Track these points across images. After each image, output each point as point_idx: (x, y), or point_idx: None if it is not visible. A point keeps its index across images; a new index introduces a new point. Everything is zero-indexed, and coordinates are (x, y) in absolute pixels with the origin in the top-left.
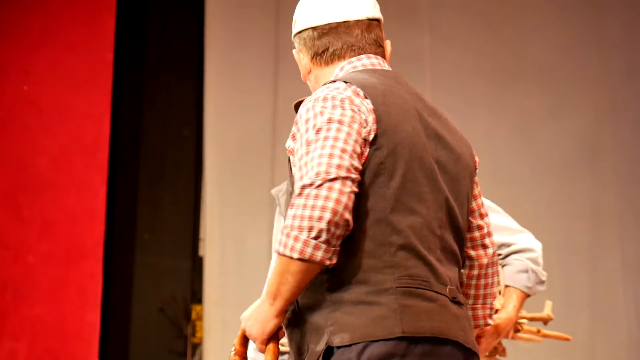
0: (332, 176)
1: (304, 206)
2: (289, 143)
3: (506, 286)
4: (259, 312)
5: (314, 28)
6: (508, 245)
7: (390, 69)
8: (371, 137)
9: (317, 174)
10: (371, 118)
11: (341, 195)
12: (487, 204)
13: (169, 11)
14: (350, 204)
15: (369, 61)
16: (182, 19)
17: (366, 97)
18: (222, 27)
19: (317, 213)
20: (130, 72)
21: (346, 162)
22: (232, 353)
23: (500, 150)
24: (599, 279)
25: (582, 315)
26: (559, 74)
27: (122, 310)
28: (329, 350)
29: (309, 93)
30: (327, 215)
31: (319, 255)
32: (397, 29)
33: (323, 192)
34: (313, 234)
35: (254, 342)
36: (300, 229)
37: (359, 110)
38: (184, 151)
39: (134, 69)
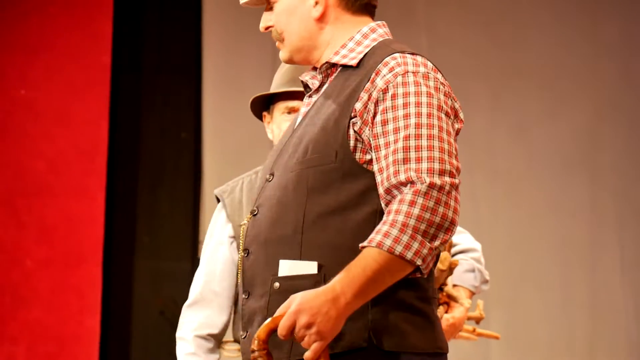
0: (457, 182)
1: (434, 211)
2: (360, 106)
3: (454, 285)
4: (331, 308)
5: None
6: (453, 245)
7: None
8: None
9: (445, 175)
10: (461, 115)
11: (458, 205)
12: None
13: (166, 14)
14: None
15: (387, 30)
16: (180, 22)
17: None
18: (220, 30)
19: (446, 224)
20: (128, 76)
21: (458, 165)
22: (256, 348)
23: (498, 148)
24: (598, 277)
25: (581, 313)
26: (556, 73)
27: (122, 314)
28: (370, 347)
29: None
30: (452, 228)
31: (430, 264)
32: (394, 29)
33: (452, 201)
34: (437, 242)
35: (321, 341)
36: (426, 234)
37: (452, 101)
38: (183, 154)
39: (132, 73)
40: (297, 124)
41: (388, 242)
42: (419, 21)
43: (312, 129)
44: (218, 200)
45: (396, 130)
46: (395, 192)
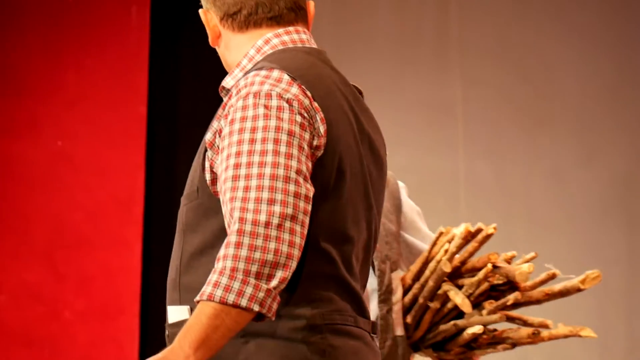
0: (289, 212)
1: (264, 249)
2: (210, 137)
3: None
4: None
5: None
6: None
7: (316, 46)
8: (319, 153)
9: (275, 204)
10: (322, 129)
11: (296, 236)
12: (417, 209)
13: (201, 66)
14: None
15: (298, 36)
16: (214, 75)
17: (314, 99)
18: None
19: (282, 259)
20: (164, 126)
21: (298, 190)
22: None
23: (535, 195)
24: (637, 326)
25: None
26: (591, 118)
27: None
28: None
29: None
30: (290, 263)
31: (273, 305)
32: (428, 75)
33: (284, 234)
34: (274, 282)
35: None
36: (259, 275)
37: (309, 116)
38: None
39: (167, 124)
40: None
41: (219, 292)
42: (453, 67)
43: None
44: None
45: (228, 159)
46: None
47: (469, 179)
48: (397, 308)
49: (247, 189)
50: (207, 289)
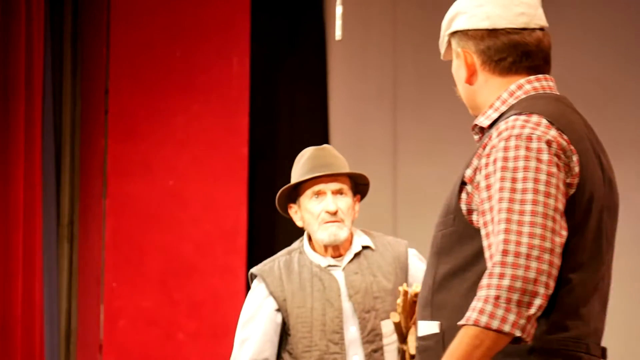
0: (547, 245)
1: (525, 280)
2: (470, 173)
3: None
4: None
5: (489, 30)
6: None
7: (558, 93)
8: (572, 191)
9: (535, 238)
10: (577, 169)
11: (553, 268)
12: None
13: (298, 109)
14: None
15: (547, 83)
16: (310, 116)
17: (570, 143)
18: (346, 118)
19: (540, 290)
20: (264, 164)
21: (554, 226)
22: None
23: None
24: None
25: None
26: None
27: None
28: None
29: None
30: (547, 292)
31: (531, 331)
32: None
33: (543, 265)
34: (532, 310)
35: None
36: (520, 303)
37: (566, 156)
38: None
39: (267, 162)
40: None
41: (484, 319)
42: None
43: (448, 193)
44: (252, 278)
45: (491, 197)
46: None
47: None
48: (390, 348)
49: (509, 222)
50: (472, 314)
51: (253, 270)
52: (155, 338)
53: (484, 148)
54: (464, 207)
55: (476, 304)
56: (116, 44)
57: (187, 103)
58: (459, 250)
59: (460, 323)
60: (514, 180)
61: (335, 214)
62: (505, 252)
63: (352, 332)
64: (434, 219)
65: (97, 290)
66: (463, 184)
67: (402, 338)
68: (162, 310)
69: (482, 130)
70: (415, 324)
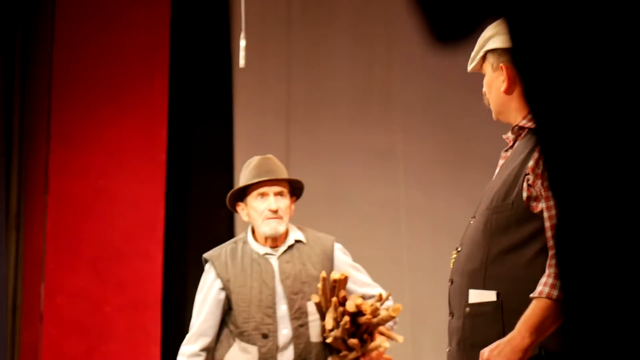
0: None
1: None
2: (532, 164)
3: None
4: (507, 346)
5: None
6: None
7: None
8: None
9: None
10: None
11: None
12: (351, 263)
13: (209, 122)
14: None
15: None
16: (218, 129)
17: None
18: (247, 131)
19: None
20: (179, 168)
21: None
22: None
23: (460, 222)
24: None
25: None
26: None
27: None
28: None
29: None
30: None
31: None
32: (372, 129)
33: None
34: None
35: None
36: None
37: None
38: None
39: (182, 166)
40: (495, 175)
41: (555, 292)
42: (395, 123)
43: (499, 182)
44: (205, 262)
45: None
46: None
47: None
48: (314, 324)
49: None
50: (545, 289)
51: (205, 255)
52: (87, 311)
53: None
54: (524, 194)
55: (547, 279)
56: (58, 64)
57: (116, 116)
58: (516, 230)
59: (532, 296)
60: None
61: (276, 212)
62: None
63: (282, 309)
64: (320, 220)
65: (39, 271)
66: (526, 174)
67: (322, 316)
68: (93, 288)
69: (522, 130)
70: (332, 304)
